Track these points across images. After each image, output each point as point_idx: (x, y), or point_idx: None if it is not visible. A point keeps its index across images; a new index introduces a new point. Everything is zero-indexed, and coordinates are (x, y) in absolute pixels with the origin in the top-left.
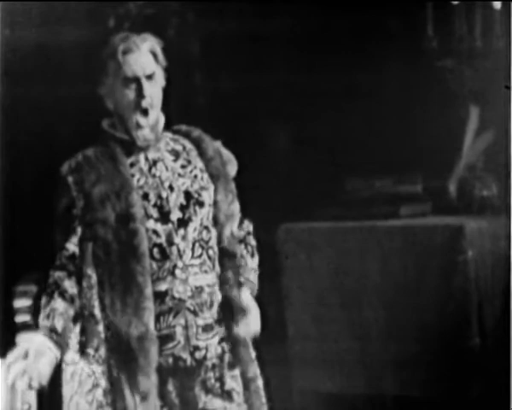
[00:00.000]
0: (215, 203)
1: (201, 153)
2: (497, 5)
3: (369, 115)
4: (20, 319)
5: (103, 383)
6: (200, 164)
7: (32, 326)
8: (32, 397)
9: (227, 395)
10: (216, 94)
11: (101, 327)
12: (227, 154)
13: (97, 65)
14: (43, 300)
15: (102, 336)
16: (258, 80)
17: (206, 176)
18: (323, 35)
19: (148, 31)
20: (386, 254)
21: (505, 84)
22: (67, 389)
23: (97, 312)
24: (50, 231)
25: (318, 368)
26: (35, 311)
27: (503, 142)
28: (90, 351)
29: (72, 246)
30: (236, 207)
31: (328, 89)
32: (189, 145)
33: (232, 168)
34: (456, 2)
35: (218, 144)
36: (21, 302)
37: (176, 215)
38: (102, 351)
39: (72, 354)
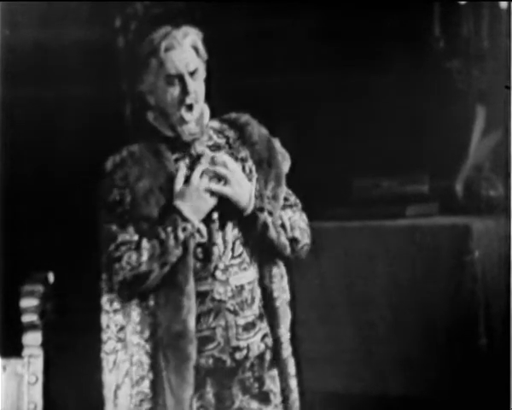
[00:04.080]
0: (260, 193)
1: (246, 139)
2: (504, 5)
3: (376, 115)
4: (27, 318)
5: (151, 375)
6: (243, 153)
7: (39, 326)
8: (38, 397)
9: (264, 397)
10: (222, 93)
11: (152, 318)
12: (281, 150)
13: (137, 62)
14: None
15: (153, 327)
16: (264, 80)
17: (248, 165)
18: (330, 35)
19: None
20: (392, 254)
21: (505, 84)
22: (111, 379)
23: (152, 303)
24: (51, 230)
25: (325, 368)
26: (42, 311)
27: (505, 142)
28: (141, 342)
29: (127, 236)
30: (277, 193)
31: (335, 89)
32: (233, 136)
33: (286, 164)
34: (463, 3)
35: (275, 140)
36: (28, 302)
37: (216, 214)
38: (151, 343)
39: (112, 344)
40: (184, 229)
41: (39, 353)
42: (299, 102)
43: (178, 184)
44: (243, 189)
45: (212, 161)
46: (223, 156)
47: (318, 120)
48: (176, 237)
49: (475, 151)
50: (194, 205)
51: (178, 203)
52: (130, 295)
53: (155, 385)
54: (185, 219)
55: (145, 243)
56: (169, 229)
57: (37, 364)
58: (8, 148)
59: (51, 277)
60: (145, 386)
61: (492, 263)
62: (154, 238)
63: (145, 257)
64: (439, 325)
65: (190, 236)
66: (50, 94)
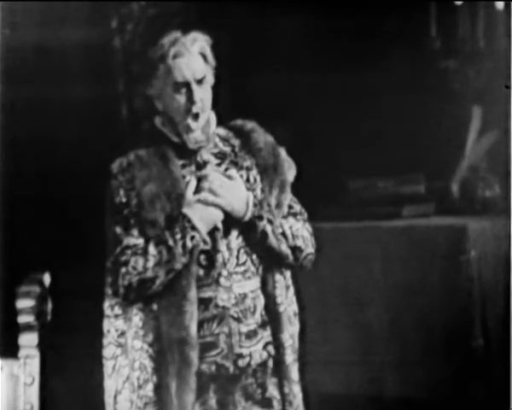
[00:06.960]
0: (260, 201)
1: (251, 146)
2: (500, 5)
3: (372, 116)
4: (23, 319)
5: (155, 379)
6: (248, 162)
7: (35, 327)
8: (35, 398)
9: (267, 403)
10: (217, 93)
11: (155, 322)
12: (287, 159)
13: (146, 65)
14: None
15: (157, 331)
16: (259, 80)
17: (253, 174)
18: (326, 35)
19: (151, 31)
20: (388, 254)
21: (505, 83)
22: (111, 383)
23: (155, 307)
24: (51, 230)
25: (321, 369)
26: (38, 312)
27: (503, 142)
28: (145, 346)
29: (132, 240)
30: (281, 200)
31: (331, 89)
32: (239, 144)
33: (291, 172)
34: (459, 3)
35: (281, 149)
36: (24, 303)
37: (220, 222)
38: (156, 347)
39: (112, 349)
40: (193, 238)
41: (36, 354)
42: (294, 102)
43: (189, 192)
44: (236, 198)
45: (203, 178)
46: (212, 173)
47: (313, 120)
48: (184, 246)
49: (471, 151)
50: (204, 215)
51: (188, 212)
52: (135, 300)
53: (159, 389)
54: (194, 228)
55: (152, 249)
56: (178, 236)
57: (34, 365)
58: (8, 148)
59: (48, 278)
60: (149, 390)
61: (488, 263)
62: (161, 244)
63: (151, 263)
64: (435, 325)
65: (197, 245)
66: (50, 94)
